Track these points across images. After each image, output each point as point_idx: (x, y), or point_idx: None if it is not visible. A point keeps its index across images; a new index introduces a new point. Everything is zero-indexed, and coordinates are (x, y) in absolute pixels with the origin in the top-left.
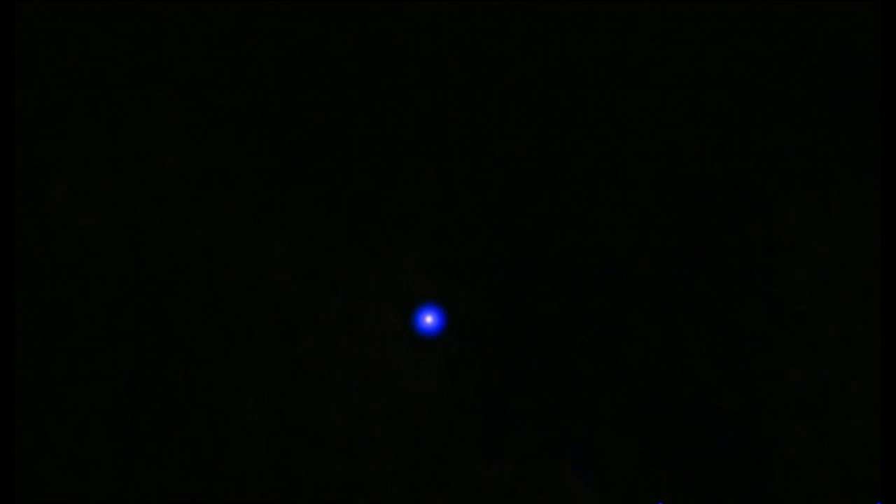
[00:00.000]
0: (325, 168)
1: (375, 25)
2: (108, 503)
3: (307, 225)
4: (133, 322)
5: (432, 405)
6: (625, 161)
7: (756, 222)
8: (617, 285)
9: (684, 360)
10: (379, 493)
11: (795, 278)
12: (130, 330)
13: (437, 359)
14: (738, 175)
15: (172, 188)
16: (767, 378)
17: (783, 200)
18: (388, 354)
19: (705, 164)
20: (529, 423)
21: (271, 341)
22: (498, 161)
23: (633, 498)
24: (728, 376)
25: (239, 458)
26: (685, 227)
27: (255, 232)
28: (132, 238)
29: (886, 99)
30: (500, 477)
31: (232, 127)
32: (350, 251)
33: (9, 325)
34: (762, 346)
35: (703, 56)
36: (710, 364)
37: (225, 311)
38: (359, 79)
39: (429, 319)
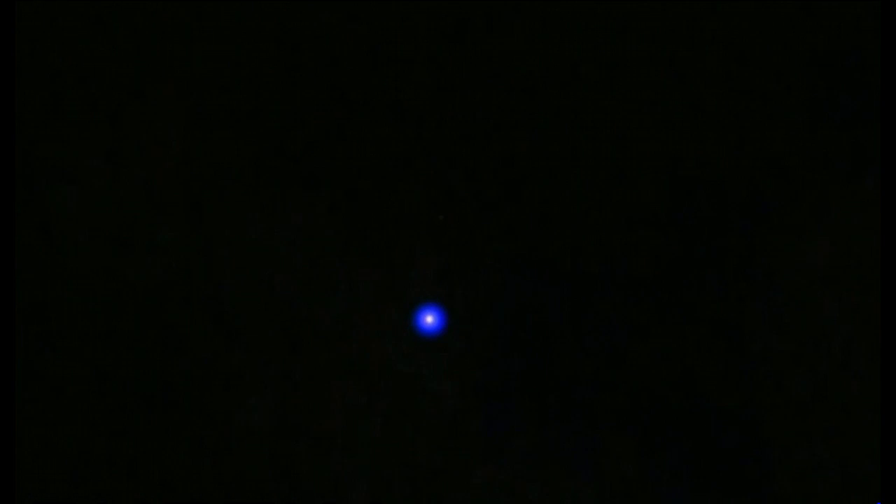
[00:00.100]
0: (327, 169)
1: (379, 27)
2: (108, 503)
3: (309, 225)
4: (134, 322)
5: (433, 405)
6: (626, 163)
7: (757, 223)
8: (619, 286)
9: (685, 361)
10: (379, 494)
11: (797, 279)
12: (131, 330)
13: (439, 359)
14: (739, 176)
15: (175, 189)
16: (769, 379)
17: (784, 201)
18: (389, 355)
19: (706, 166)
20: (530, 425)
21: (273, 341)
22: (499, 162)
23: (634, 499)
24: (729, 377)
25: (240, 459)
26: (687, 228)
27: (256, 233)
28: (132, 238)
29: (887, 100)
30: (502, 478)
31: (234, 128)
32: (351, 252)
33: (9, 325)
34: (764, 347)
35: (705, 58)
36: (711, 365)
37: (226, 312)
38: (360, 80)
39: (430, 319)
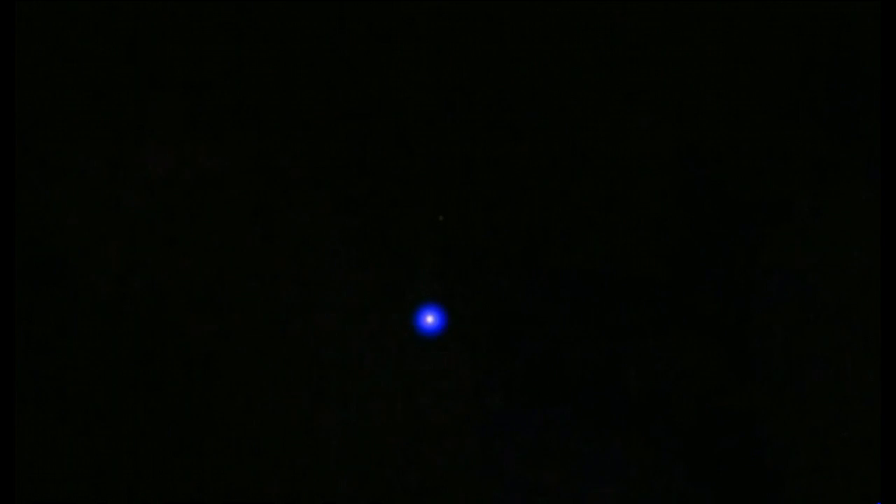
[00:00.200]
0: (327, 170)
1: (378, 28)
2: (108, 503)
3: (309, 226)
4: (134, 323)
5: (433, 405)
6: (628, 163)
7: (759, 224)
8: (621, 287)
9: (688, 363)
10: (380, 494)
11: (800, 280)
12: (132, 330)
13: (439, 359)
14: (741, 176)
15: (176, 190)
16: (772, 379)
17: (786, 202)
18: (389, 355)
19: (708, 166)
20: (531, 424)
21: (273, 342)
22: (500, 162)
23: (638, 499)
24: (732, 378)
25: (240, 459)
26: (689, 229)
27: (257, 234)
28: (133, 239)
29: (887, 100)
30: (502, 477)
31: (234, 130)
32: (351, 252)
33: (9, 326)
34: (768, 349)
35: (707, 59)
36: (712, 365)
37: (226, 312)
38: (359, 81)
39: (430, 320)
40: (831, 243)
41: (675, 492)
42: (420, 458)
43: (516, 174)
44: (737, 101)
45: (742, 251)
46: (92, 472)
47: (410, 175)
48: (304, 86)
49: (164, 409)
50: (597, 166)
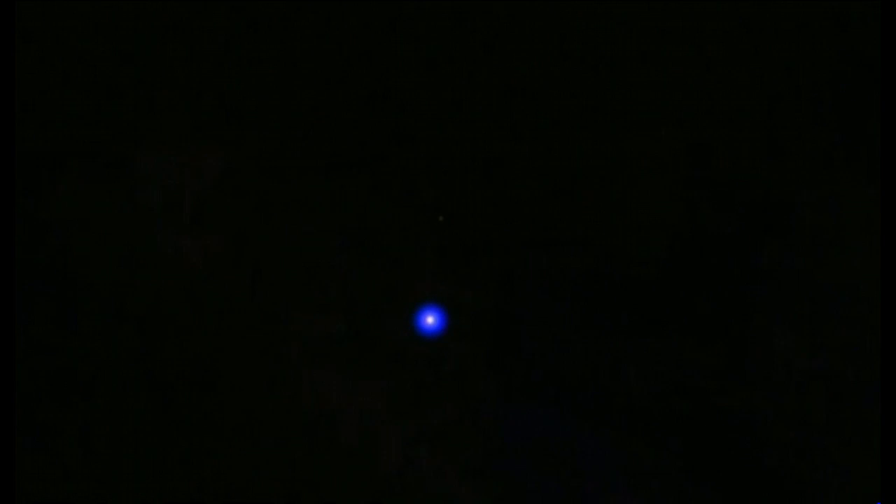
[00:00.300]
0: (327, 170)
1: (383, 28)
2: (108, 503)
3: (310, 226)
4: (135, 323)
5: (434, 406)
6: (629, 163)
7: (762, 225)
8: (622, 287)
9: (687, 363)
10: (380, 494)
11: (802, 282)
12: (132, 331)
13: (439, 360)
14: (742, 177)
15: (179, 193)
16: (772, 381)
17: (788, 203)
18: (390, 356)
19: (708, 168)
20: (532, 425)
21: (273, 342)
22: (501, 162)
23: (641, 497)
24: (731, 378)
25: (240, 459)
26: (691, 229)
27: (257, 234)
28: (135, 240)
29: (887, 101)
30: (503, 478)
31: (234, 131)
32: (351, 253)
33: (9, 326)
34: (769, 349)
35: (708, 60)
36: (717, 366)
37: (226, 313)
38: (359, 81)
39: (430, 320)
40: (833, 244)
41: (675, 491)
42: (420, 459)
43: (517, 175)
44: (739, 103)
45: (744, 251)
46: (92, 472)
47: (411, 175)
48: (304, 87)
49: (164, 409)
50: (600, 166)
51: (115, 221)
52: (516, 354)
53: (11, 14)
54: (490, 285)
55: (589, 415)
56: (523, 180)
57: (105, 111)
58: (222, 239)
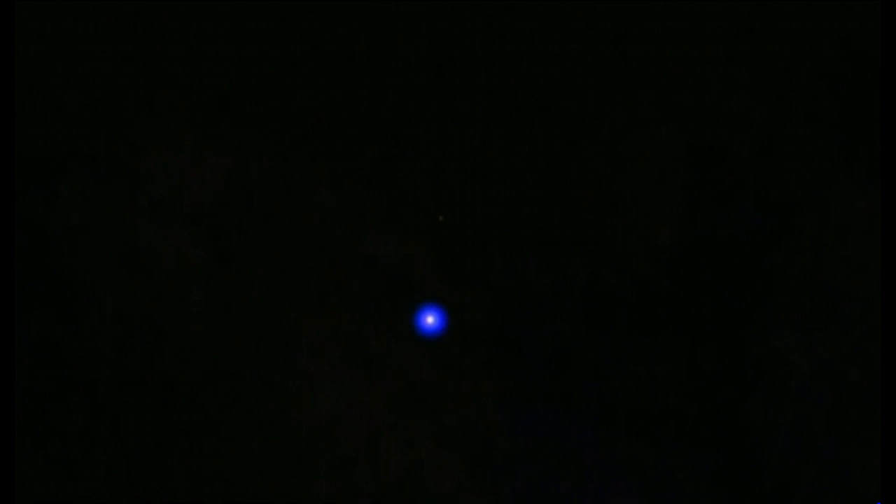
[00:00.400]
0: (326, 171)
1: (384, 28)
2: (108, 503)
3: (309, 226)
4: (136, 323)
5: (433, 407)
6: (630, 163)
7: (763, 225)
8: (625, 287)
9: (687, 364)
10: (380, 495)
11: (804, 283)
12: (132, 331)
13: (439, 360)
14: (744, 178)
15: (180, 196)
16: (774, 382)
17: (790, 204)
18: (389, 356)
19: (709, 169)
20: (532, 426)
21: (273, 342)
22: (501, 163)
23: (643, 498)
24: (732, 380)
25: (240, 459)
26: (691, 230)
27: (257, 235)
28: (135, 242)
29: (887, 101)
30: (503, 478)
31: (233, 134)
32: (351, 253)
33: (9, 326)
34: (771, 351)
35: (710, 62)
36: (718, 368)
37: (227, 313)
38: (357, 81)
39: (430, 320)
40: (834, 244)
41: (676, 491)
42: (420, 459)
43: (518, 175)
44: (740, 103)
45: (745, 252)
46: (92, 472)
47: (411, 175)
48: (306, 87)
49: (165, 410)
50: (602, 167)
51: (116, 223)
52: (517, 355)
53: (11, 14)
54: (491, 286)
55: (590, 415)
56: (524, 181)
57: (106, 113)
58: (223, 240)
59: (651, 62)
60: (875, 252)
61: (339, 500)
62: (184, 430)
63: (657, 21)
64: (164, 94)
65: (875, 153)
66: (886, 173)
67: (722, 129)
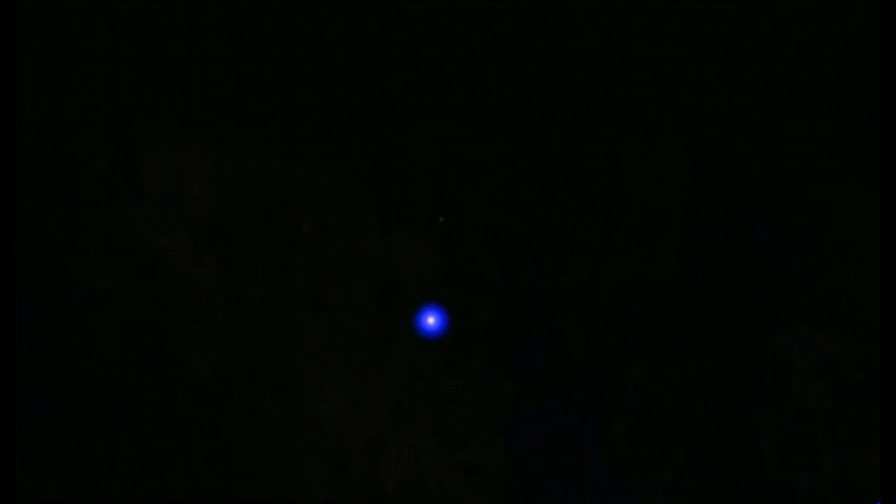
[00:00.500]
0: (326, 170)
1: (384, 28)
2: (108, 503)
3: (309, 226)
4: (136, 323)
5: (434, 407)
6: (631, 163)
7: (765, 227)
8: (626, 288)
9: (689, 366)
10: (380, 495)
11: (806, 285)
12: (133, 332)
13: (440, 361)
14: (746, 180)
15: (181, 195)
16: (775, 384)
17: (792, 205)
18: (390, 357)
19: (709, 169)
20: (534, 427)
21: (272, 342)
22: (503, 164)
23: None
24: (734, 382)
25: (240, 459)
26: (693, 231)
27: (258, 234)
28: (137, 242)
29: (887, 101)
30: (504, 477)
31: (233, 135)
32: (351, 253)
33: (9, 326)
34: (773, 353)
35: (711, 62)
36: (719, 370)
37: (227, 313)
38: (357, 81)
39: (431, 321)
40: (835, 245)
41: (678, 492)
42: (421, 459)
43: (519, 176)
44: (741, 104)
45: (745, 253)
46: (92, 472)
47: (411, 175)
48: (307, 88)
49: (165, 411)
50: (603, 167)
51: (117, 223)
52: (518, 355)
53: (11, 14)
54: (492, 286)
55: (592, 416)
56: (525, 181)
57: (107, 114)
58: (223, 240)
59: (651, 62)
60: (875, 252)
61: (339, 500)
62: (184, 430)
63: (658, 21)
64: (166, 95)
65: (875, 153)
66: (886, 173)
67: (722, 130)
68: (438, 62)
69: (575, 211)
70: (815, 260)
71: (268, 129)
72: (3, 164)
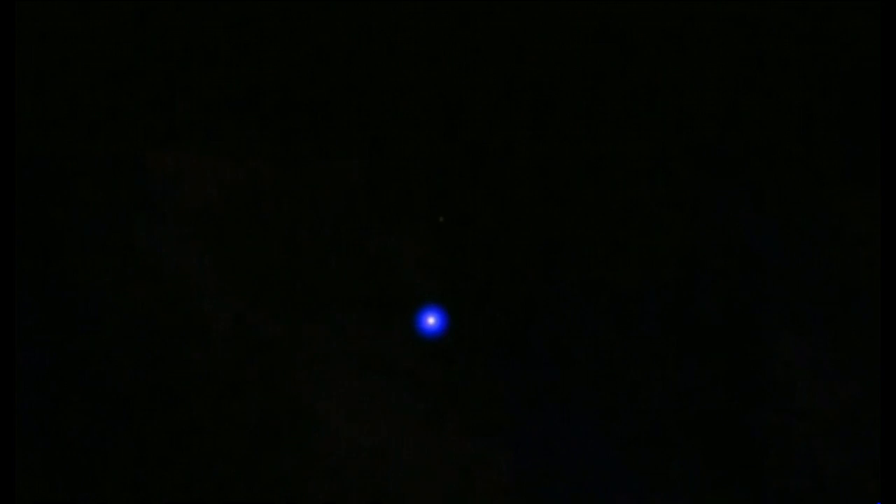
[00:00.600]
0: (326, 171)
1: (384, 28)
2: (108, 503)
3: (309, 227)
4: (138, 324)
5: (435, 408)
6: (631, 163)
7: (766, 228)
8: (627, 289)
9: (690, 367)
10: (381, 495)
11: (808, 287)
12: (134, 333)
13: (440, 361)
14: (748, 182)
15: (184, 195)
16: (776, 386)
17: (793, 206)
18: (390, 357)
19: (709, 169)
20: (536, 428)
21: (275, 343)
22: (504, 164)
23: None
24: (736, 384)
25: (240, 459)
26: (689, 228)
27: (257, 235)
28: (136, 243)
29: (887, 102)
30: (504, 479)
31: (233, 136)
32: (351, 253)
33: (9, 326)
34: (774, 355)
35: (712, 62)
36: (720, 373)
37: (227, 313)
38: (356, 81)
39: (431, 321)
40: (836, 245)
41: (681, 493)
42: (421, 459)
43: (520, 176)
44: (741, 104)
45: (746, 254)
46: (92, 472)
47: (411, 175)
48: (307, 88)
49: (165, 411)
50: (603, 167)
51: (117, 224)
52: (519, 356)
53: (11, 14)
54: (492, 286)
55: (592, 417)
56: (526, 181)
57: (108, 114)
58: (224, 240)
59: (651, 62)
60: (875, 252)
61: (339, 500)
62: (184, 430)
63: (657, 21)
64: (166, 95)
65: (875, 153)
66: (886, 173)
67: (722, 130)
68: (438, 62)
69: (575, 211)
70: (815, 260)
71: (268, 129)
72: (3, 164)
